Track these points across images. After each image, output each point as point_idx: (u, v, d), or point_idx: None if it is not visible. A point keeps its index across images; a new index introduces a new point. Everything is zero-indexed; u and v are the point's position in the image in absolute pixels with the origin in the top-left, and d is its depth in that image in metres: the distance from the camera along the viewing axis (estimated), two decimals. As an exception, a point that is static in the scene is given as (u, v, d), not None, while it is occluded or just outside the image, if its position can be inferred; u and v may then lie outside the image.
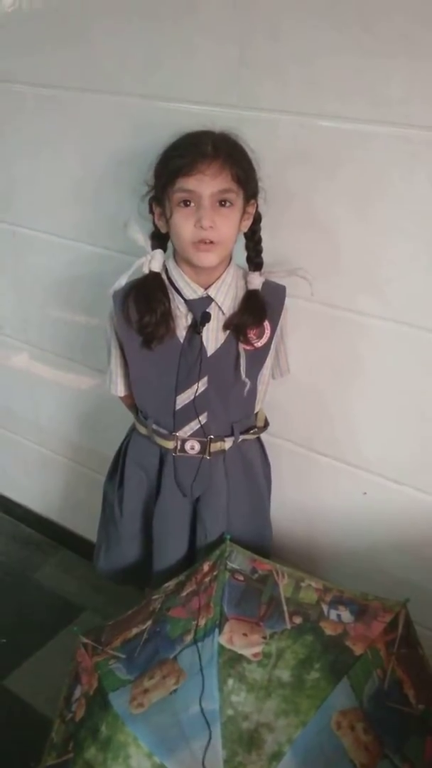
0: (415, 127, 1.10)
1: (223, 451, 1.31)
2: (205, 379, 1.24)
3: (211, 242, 1.13)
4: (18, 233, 1.72)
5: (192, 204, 1.12)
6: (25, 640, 1.76)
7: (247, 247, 1.24)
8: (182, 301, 1.21)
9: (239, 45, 1.20)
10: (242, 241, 1.23)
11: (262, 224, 1.23)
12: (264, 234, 1.23)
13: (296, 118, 1.20)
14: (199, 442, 1.29)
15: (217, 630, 1.15)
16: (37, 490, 2.11)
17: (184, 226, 1.13)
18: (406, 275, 1.20)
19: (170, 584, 1.28)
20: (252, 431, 1.35)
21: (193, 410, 1.26)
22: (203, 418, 1.27)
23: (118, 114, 1.41)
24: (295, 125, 1.20)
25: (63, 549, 2.08)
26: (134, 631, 1.23)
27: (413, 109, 1.09)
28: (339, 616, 1.19)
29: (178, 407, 1.27)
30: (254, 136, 1.17)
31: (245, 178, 1.13)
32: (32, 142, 1.59)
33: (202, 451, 1.29)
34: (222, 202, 1.12)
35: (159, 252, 1.22)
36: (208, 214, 1.11)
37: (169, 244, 1.23)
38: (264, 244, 1.24)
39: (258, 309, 1.21)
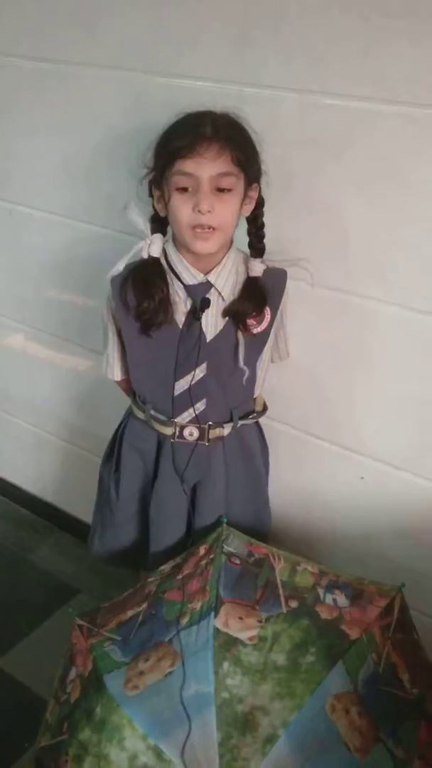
0: (421, 106, 1.08)
1: (222, 437, 1.30)
2: (203, 366, 1.23)
3: (211, 228, 1.10)
4: (15, 211, 1.70)
5: (190, 188, 1.09)
6: (20, 621, 1.76)
7: (249, 233, 1.22)
8: (181, 286, 1.19)
9: (243, 21, 1.18)
10: (244, 225, 1.21)
11: (265, 207, 1.21)
12: (267, 217, 1.21)
13: (301, 96, 1.18)
14: (198, 428, 1.28)
15: (212, 613, 1.15)
16: (33, 471, 2.11)
17: (182, 210, 1.11)
18: (411, 259, 1.18)
19: (166, 567, 1.28)
20: (251, 416, 1.34)
21: (189, 397, 1.25)
22: (201, 405, 1.26)
23: (120, 90, 1.39)
24: (299, 103, 1.18)
25: (58, 530, 2.08)
26: (130, 613, 1.22)
27: (419, 88, 1.07)
28: (335, 600, 1.19)
29: (176, 393, 1.26)
30: (258, 114, 1.14)
31: (246, 161, 1.10)
32: (32, 118, 1.56)
33: (201, 437, 1.28)
34: (221, 188, 1.09)
35: (158, 236, 1.20)
36: (206, 199, 1.08)
37: (169, 228, 1.21)
38: (267, 228, 1.21)
39: (259, 297, 1.20)
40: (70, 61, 1.43)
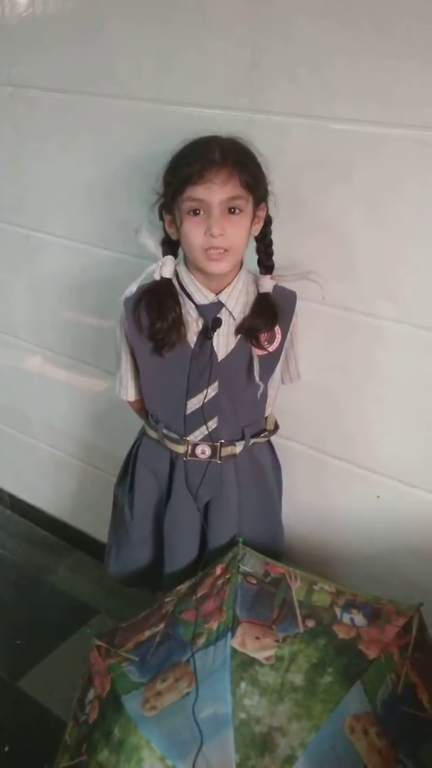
0: (429, 129, 1.09)
1: (234, 455, 1.31)
2: (215, 384, 1.24)
3: (223, 250, 1.12)
4: (31, 237, 1.74)
5: (201, 212, 1.12)
6: (39, 641, 1.77)
7: (258, 251, 1.24)
8: (193, 306, 1.21)
9: (251, 48, 1.21)
10: (253, 244, 1.23)
11: (274, 228, 1.23)
12: (277, 238, 1.23)
13: (309, 121, 1.20)
14: (210, 446, 1.29)
15: (229, 633, 1.15)
16: (51, 492, 2.12)
17: (194, 234, 1.13)
18: (420, 278, 1.19)
19: (183, 587, 1.28)
20: (263, 435, 1.35)
21: (202, 415, 1.26)
22: (213, 423, 1.27)
23: (131, 118, 1.42)
24: (307, 128, 1.20)
25: (76, 551, 2.09)
26: (147, 633, 1.23)
27: (427, 111, 1.08)
28: (352, 619, 1.18)
29: (188, 412, 1.27)
30: (267, 139, 1.17)
31: (254, 183, 1.13)
32: (46, 147, 1.60)
33: (213, 455, 1.29)
34: (231, 210, 1.12)
35: (170, 258, 1.22)
36: (217, 222, 1.11)
37: (180, 250, 1.23)
38: (277, 248, 1.23)
39: (269, 312, 1.21)
40: (82, 92, 1.47)
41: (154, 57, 1.33)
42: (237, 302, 1.21)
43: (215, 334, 1.21)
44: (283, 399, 1.36)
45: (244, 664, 1.11)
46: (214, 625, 1.17)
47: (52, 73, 1.51)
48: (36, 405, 2.01)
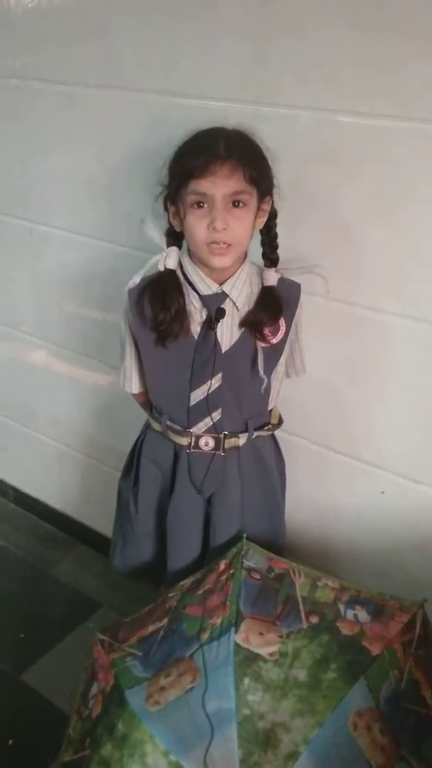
0: (435, 122, 1.08)
1: (237, 447, 1.31)
2: (219, 376, 1.24)
3: (226, 244, 1.12)
4: (36, 230, 1.73)
5: (205, 205, 1.11)
6: (42, 635, 1.77)
7: (263, 244, 1.23)
8: (197, 296, 1.21)
9: (257, 41, 1.20)
10: (258, 237, 1.23)
11: (279, 220, 1.22)
12: (282, 231, 1.22)
13: (315, 114, 1.19)
14: (213, 438, 1.29)
15: (233, 629, 1.14)
16: (55, 486, 2.12)
17: (197, 227, 1.12)
18: (425, 273, 1.19)
19: (187, 582, 1.28)
20: (266, 428, 1.34)
21: (206, 406, 1.26)
22: (217, 415, 1.27)
23: (136, 111, 1.41)
24: (313, 121, 1.19)
25: (80, 545, 2.09)
26: (150, 628, 1.23)
27: (434, 104, 1.08)
28: (356, 615, 1.18)
29: (192, 403, 1.27)
30: (272, 132, 1.16)
31: (259, 177, 1.12)
32: (50, 139, 1.59)
33: (216, 447, 1.29)
34: (235, 203, 1.11)
35: (174, 249, 1.21)
36: (221, 216, 1.10)
37: (185, 241, 1.23)
38: (282, 242, 1.23)
39: (274, 305, 1.21)
40: (87, 84, 1.46)
41: (160, 49, 1.32)
42: (241, 293, 1.21)
43: (219, 324, 1.21)
44: (287, 394, 1.36)
45: (248, 660, 1.11)
46: (218, 621, 1.17)
47: (56, 65, 1.50)
48: (40, 399, 2.01)
